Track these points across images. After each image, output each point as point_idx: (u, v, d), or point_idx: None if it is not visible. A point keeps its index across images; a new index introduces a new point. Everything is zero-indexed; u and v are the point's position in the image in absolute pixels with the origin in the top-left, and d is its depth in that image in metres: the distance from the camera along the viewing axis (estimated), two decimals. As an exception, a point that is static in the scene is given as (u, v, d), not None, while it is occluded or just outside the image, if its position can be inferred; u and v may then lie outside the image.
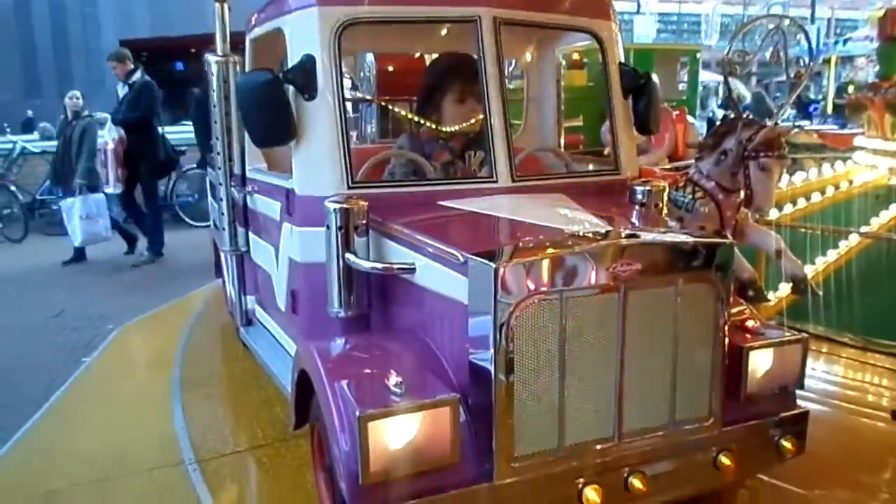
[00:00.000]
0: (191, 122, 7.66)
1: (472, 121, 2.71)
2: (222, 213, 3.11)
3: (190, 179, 10.17)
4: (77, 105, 7.82)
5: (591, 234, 1.89)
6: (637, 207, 2.46)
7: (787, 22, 3.30)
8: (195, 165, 9.45)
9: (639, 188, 2.49)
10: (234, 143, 3.02)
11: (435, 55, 3.14)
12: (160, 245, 7.70)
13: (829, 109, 17.50)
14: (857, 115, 6.16)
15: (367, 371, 1.91)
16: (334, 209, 2.14)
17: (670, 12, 39.56)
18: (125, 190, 7.47)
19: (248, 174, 3.04)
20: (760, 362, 2.16)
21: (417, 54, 3.47)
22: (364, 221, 2.16)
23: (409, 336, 2.07)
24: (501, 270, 1.71)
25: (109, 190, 7.36)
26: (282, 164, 2.79)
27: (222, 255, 3.59)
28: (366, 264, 2.13)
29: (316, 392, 1.92)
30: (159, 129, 7.72)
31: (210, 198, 4.14)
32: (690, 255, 1.95)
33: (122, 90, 7.48)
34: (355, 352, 2.08)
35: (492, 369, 1.75)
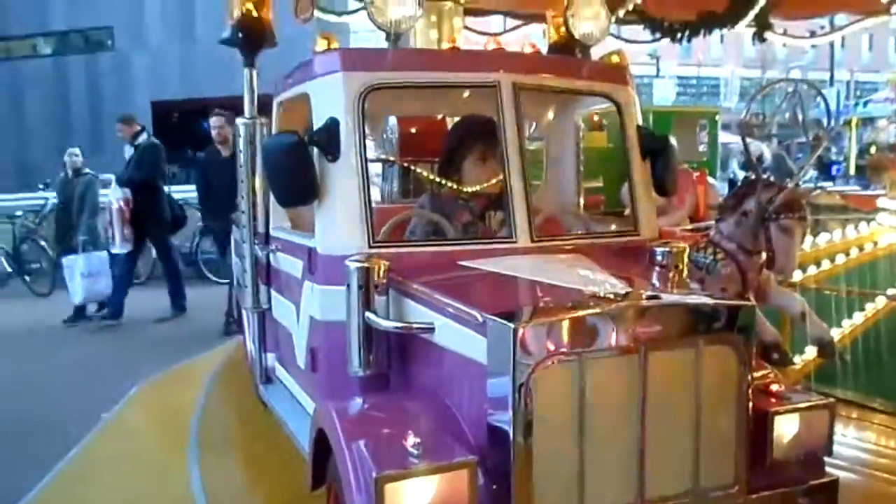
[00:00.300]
0: (195, 185, 7.63)
1: (493, 181, 2.74)
2: (245, 271, 3.16)
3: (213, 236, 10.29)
4: (76, 163, 7.93)
5: (610, 296, 1.89)
6: (657, 269, 2.46)
7: (804, 86, 3.33)
8: (201, 231, 9.37)
9: (658, 250, 2.48)
10: (259, 202, 3.08)
11: (456, 118, 3.21)
12: (182, 300, 7.74)
13: (852, 170, 17.47)
14: (878, 176, 6.14)
15: (385, 431, 1.90)
16: (355, 268, 2.16)
17: (689, 76, 40.10)
18: (132, 251, 7.49)
19: (272, 233, 3.10)
20: (786, 428, 2.12)
21: (439, 117, 3.56)
22: (384, 281, 2.18)
23: (428, 396, 2.06)
24: (521, 331, 1.71)
25: (115, 250, 7.38)
26: (305, 223, 2.84)
27: (244, 312, 3.62)
28: (385, 323, 2.14)
29: (333, 452, 1.91)
30: (165, 188, 7.80)
31: (234, 255, 4.21)
32: (712, 318, 1.94)
33: (128, 152, 7.61)
34: (373, 412, 2.07)
35: (510, 431, 1.73)
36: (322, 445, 2.04)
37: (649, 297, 1.88)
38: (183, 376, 5.05)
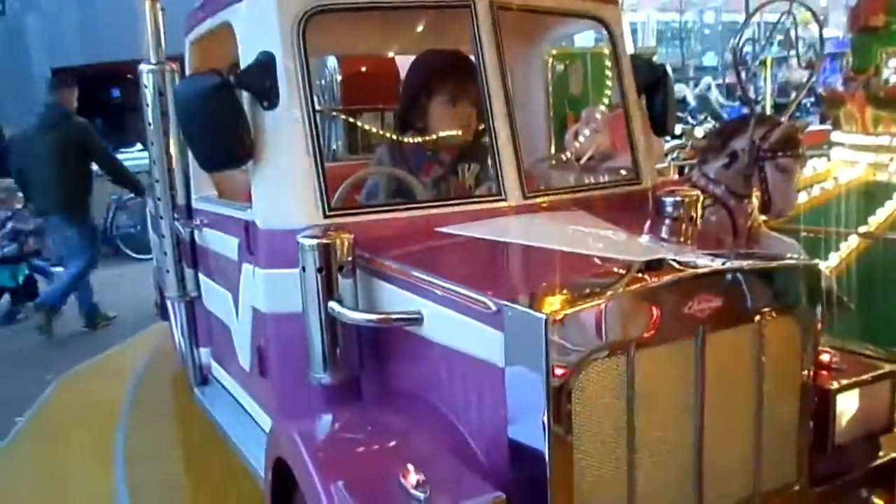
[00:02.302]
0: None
1: (466, 127, 2.27)
2: (165, 252, 2.59)
3: (130, 210, 9.57)
4: None
5: (651, 264, 1.47)
6: (669, 223, 2.06)
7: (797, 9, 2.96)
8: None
9: (668, 199, 2.07)
10: (176, 166, 2.51)
11: (412, 56, 2.68)
12: None
13: (769, 110, 17.66)
14: (835, 110, 5.93)
15: (373, 462, 1.43)
16: (311, 245, 1.66)
17: (607, 21, 40.07)
18: None
19: (195, 204, 2.54)
20: (847, 406, 1.76)
21: (389, 55, 3.01)
22: (350, 259, 1.69)
23: (420, 407, 1.59)
24: (554, 321, 1.26)
25: None
26: (236, 189, 2.30)
27: (168, 301, 3.06)
28: (355, 315, 1.66)
29: (302, 493, 1.44)
30: None
31: (151, 233, 3.60)
32: (776, 283, 1.54)
33: None
34: (351, 433, 1.59)
35: (545, 451, 1.30)
36: (282, 476, 1.57)
37: (704, 264, 1.46)
38: (108, 368, 4.46)
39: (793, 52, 3.69)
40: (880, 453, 1.88)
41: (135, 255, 8.97)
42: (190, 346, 2.71)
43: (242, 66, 1.89)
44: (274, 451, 1.61)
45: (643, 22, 42.08)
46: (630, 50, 2.49)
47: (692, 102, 17.90)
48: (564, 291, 1.38)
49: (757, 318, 1.51)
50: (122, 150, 12.93)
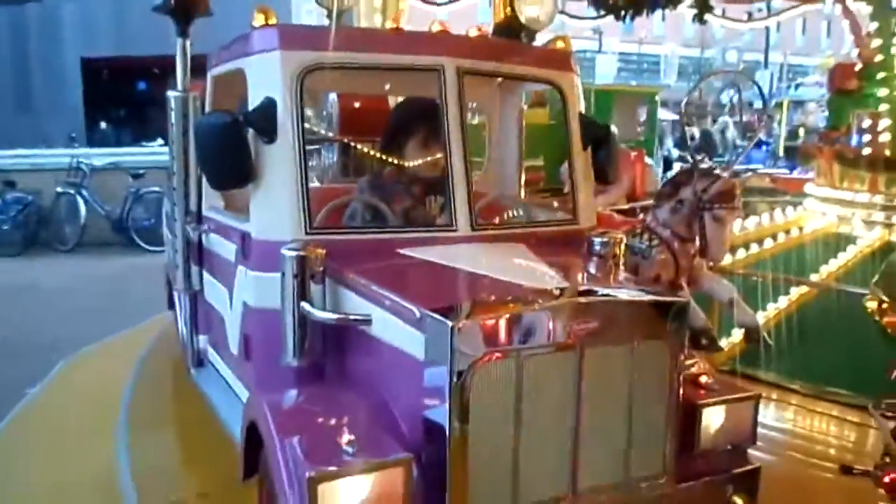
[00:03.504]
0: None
1: (434, 165, 2.71)
2: (176, 250, 3.05)
3: (146, 202, 10.01)
4: None
5: (549, 291, 1.90)
6: (595, 259, 2.48)
7: (742, 75, 3.38)
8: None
9: (596, 240, 2.49)
10: (192, 179, 2.97)
11: (399, 98, 3.14)
12: None
13: (780, 151, 17.90)
14: (807, 163, 6.35)
15: (319, 426, 1.87)
16: (290, 256, 2.10)
17: (631, 52, 40.64)
18: None
19: (205, 212, 2.99)
20: (713, 419, 2.18)
21: (381, 94, 3.48)
22: (321, 269, 2.13)
23: (363, 389, 2.03)
24: (458, 328, 1.69)
25: None
26: (239, 204, 2.75)
27: (175, 292, 3.51)
28: (320, 314, 2.09)
29: (264, 446, 1.87)
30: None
31: (165, 229, 4.06)
32: (647, 313, 1.97)
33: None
34: (307, 404, 2.03)
35: (446, 427, 1.73)
36: (254, 437, 2.00)
37: (586, 293, 1.89)
38: (114, 350, 4.87)
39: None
40: (746, 462, 2.30)
41: (147, 247, 9.45)
42: (190, 332, 3.16)
43: (250, 107, 2.34)
44: (248, 415, 2.04)
45: (666, 56, 42.66)
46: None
47: (696, 138, 18.29)
48: (474, 306, 1.81)
49: (631, 339, 1.94)
50: (144, 143, 13.32)
